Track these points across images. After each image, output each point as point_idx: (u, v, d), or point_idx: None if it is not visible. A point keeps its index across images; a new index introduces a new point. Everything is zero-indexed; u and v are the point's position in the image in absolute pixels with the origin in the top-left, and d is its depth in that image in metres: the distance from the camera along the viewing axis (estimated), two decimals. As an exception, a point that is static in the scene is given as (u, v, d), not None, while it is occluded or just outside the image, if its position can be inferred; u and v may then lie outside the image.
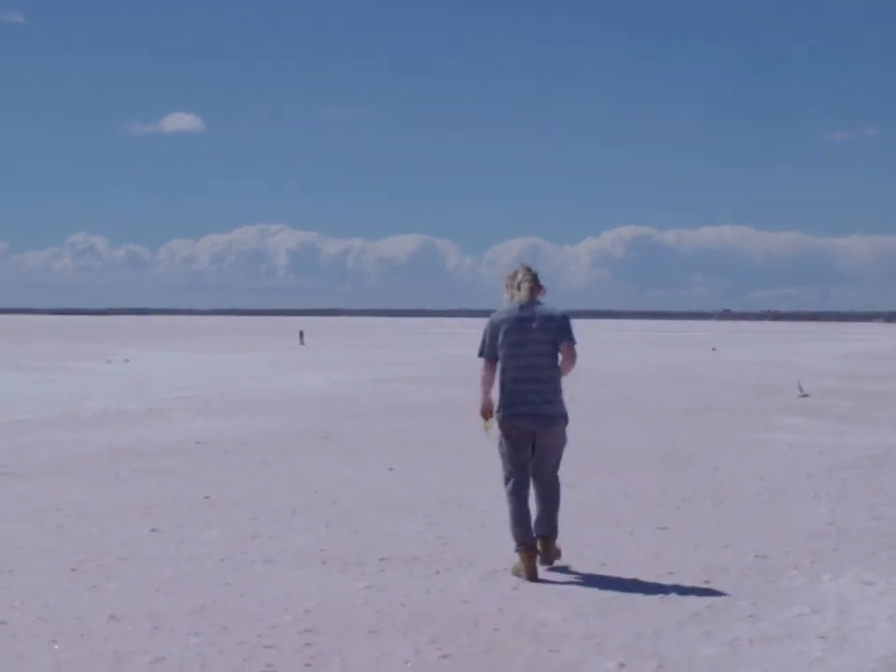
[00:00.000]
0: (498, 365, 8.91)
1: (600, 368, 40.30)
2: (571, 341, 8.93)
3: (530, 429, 8.80)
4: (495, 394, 8.92)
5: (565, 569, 8.91)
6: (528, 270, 9.06)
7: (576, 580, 8.55)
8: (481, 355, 9.03)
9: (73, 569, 8.68)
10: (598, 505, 11.74)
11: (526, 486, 8.94)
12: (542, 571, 8.75)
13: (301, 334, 73.64)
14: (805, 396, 26.76)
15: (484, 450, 15.22)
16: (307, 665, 6.54)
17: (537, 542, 8.78)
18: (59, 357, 47.22)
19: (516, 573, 8.66)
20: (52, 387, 28.28)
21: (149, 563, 8.93)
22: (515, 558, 8.82)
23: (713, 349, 62.88)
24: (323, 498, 11.95)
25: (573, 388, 29.57)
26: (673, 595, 8.09)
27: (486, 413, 8.96)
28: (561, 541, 9.21)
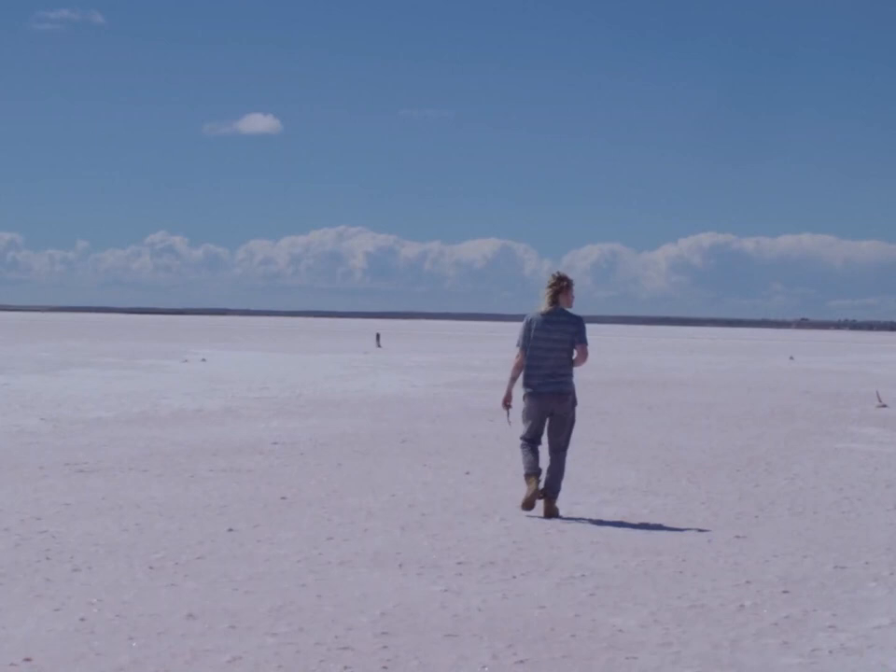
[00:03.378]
0: (530, 355, 11.44)
1: (679, 375, 40.10)
2: (584, 342, 11.49)
3: (549, 403, 11.39)
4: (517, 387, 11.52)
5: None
6: (559, 280, 11.47)
7: (653, 587, 8.51)
8: (519, 345, 11.56)
9: (151, 567, 8.75)
10: (676, 511, 11.67)
11: (537, 446, 11.48)
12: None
13: (378, 336, 73.72)
14: (884, 406, 26.44)
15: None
16: (384, 667, 6.54)
17: (540, 474, 11.35)
18: (137, 355, 47.70)
19: (525, 505, 11.26)
20: (130, 385, 28.57)
21: (226, 562, 8.99)
22: (527, 489, 11.30)
23: (791, 358, 62.35)
24: (399, 501, 11.97)
25: (652, 396, 29.29)
26: (751, 605, 8.02)
27: (506, 402, 11.70)
28: (641, 546, 9.25)
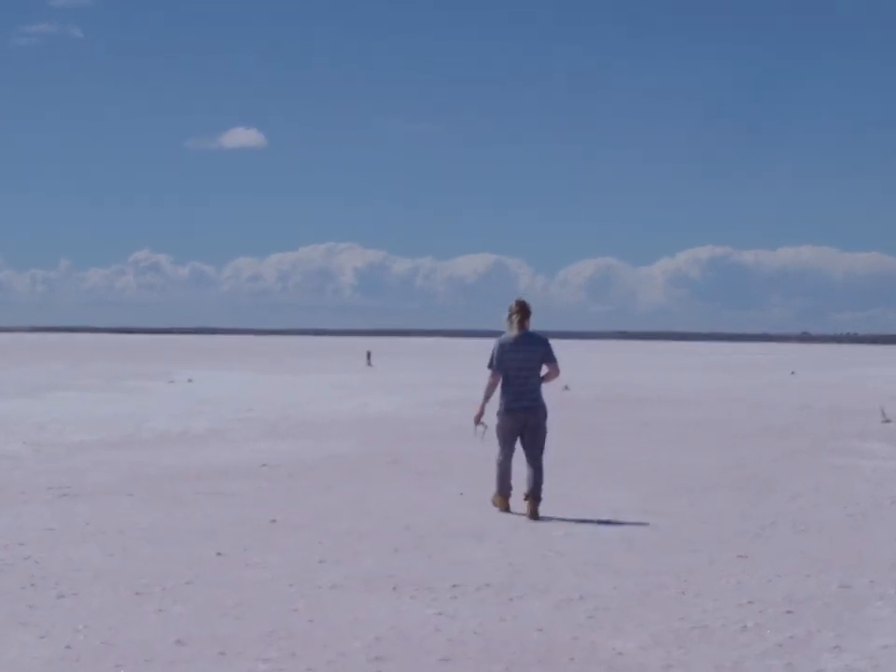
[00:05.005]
0: (503, 375, 12.74)
1: (676, 391, 40.09)
2: (554, 360, 12.85)
3: (523, 419, 12.69)
4: (491, 402, 12.77)
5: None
6: (522, 306, 12.82)
7: (654, 608, 8.51)
8: (490, 366, 12.89)
9: (137, 593, 8.74)
10: (676, 531, 11.68)
11: (511, 458, 12.83)
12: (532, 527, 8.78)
13: (369, 355, 73.46)
14: (888, 421, 26.45)
15: (561, 475, 15.21)
16: (377, 692, 6.53)
17: (510, 491, 12.85)
18: (121, 376, 47.64)
19: (494, 504, 12.99)
20: (114, 408, 28.53)
21: (215, 587, 8.98)
22: (497, 499, 12.95)
23: (792, 372, 62.38)
24: (392, 523, 11.98)
25: (648, 413, 29.23)
26: (754, 625, 8.02)
27: (478, 419, 13.05)
28: (641, 567, 9.31)
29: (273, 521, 11.98)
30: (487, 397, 12.87)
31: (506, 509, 12.82)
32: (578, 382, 42.19)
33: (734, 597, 8.82)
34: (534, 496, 12.51)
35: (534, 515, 12.42)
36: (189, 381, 43.84)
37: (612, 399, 34.11)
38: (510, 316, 12.85)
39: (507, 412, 12.74)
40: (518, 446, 12.89)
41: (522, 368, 12.67)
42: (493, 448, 13.19)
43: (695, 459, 18.16)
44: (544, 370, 12.82)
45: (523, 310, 12.86)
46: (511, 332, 12.81)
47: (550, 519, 12.28)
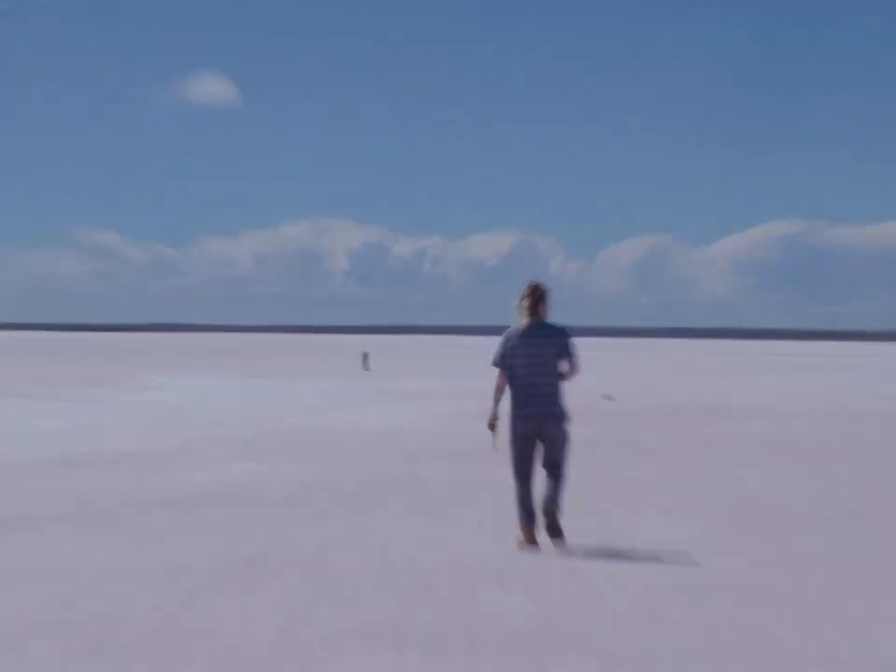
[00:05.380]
0: (510, 373, 12.71)
1: (749, 401, 39.94)
2: (574, 356, 12.77)
3: (538, 427, 12.62)
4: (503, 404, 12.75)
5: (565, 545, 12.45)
6: (534, 289, 12.75)
7: (717, 671, 8.46)
8: (494, 364, 12.90)
9: (87, 649, 8.70)
10: (747, 575, 11.60)
11: (531, 477, 12.80)
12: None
13: (365, 357, 73.45)
14: None
15: (602, 503, 15.13)
16: None
17: (536, 521, 12.68)
18: (67, 382, 47.66)
19: (520, 545, 12.71)
20: (59, 421, 28.54)
21: (183, 639, 8.95)
22: (520, 534, 12.80)
23: None
24: (396, 563, 11.94)
25: (713, 427, 29.18)
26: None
27: (492, 423, 12.95)
28: (700, 620, 9.23)
29: (252, 559, 11.95)
30: (497, 400, 12.89)
31: (531, 542, 12.71)
32: (623, 390, 42.13)
33: (818, 660, 8.73)
34: (549, 506, 12.48)
35: (553, 531, 12.52)
36: (152, 388, 43.85)
37: (668, 412, 33.98)
38: (520, 301, 12.84)
39: (517, 419, 12.74)
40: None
41: (533, 364, 12.65)
42: (504, 456, 13.15)
43: (772, 485, 18.06)
44: (562, 367, 12.76)
45: (534, 293, 12.80)
46: (521, 322, 12.80)
47: (590, 556, 12.22)
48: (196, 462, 20.46)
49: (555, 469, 12.65)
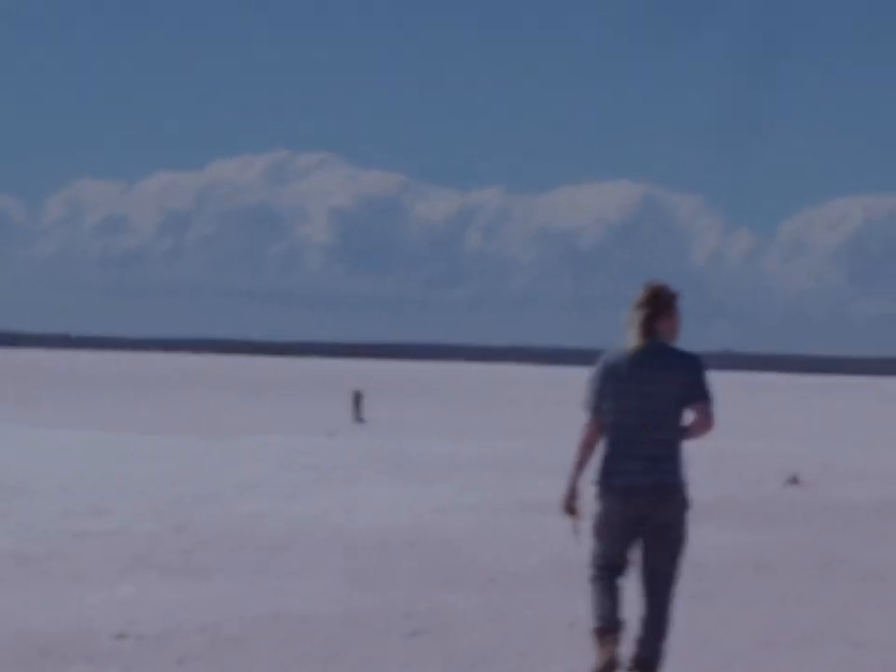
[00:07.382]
0: (607, 422, 9.61)
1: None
2: (706, 399, 9.55)
3: (641, 506, 9.54)
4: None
5: None
6: (654, 295, 9.60)
7: None
8: (586, 408, 9.78)
9: None
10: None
11: (616, 577, 9.67)
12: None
13: (358, 398, 56.27)
14: None
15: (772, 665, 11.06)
16: None
17: (621, 629, 9.53)
18: None
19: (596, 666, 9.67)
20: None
21: None
22: (595, 648, 9.58)
23: None
24: None
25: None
26: None
27: (569, 506, 9.74)
28: None
29: None
30: (580, 464, 9.81)
31: (610, 665, 9.44)
32: (826, 465, 33.11)
33: None
34: (643, 654, 9.59)
35: None
36: None
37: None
38: (630, 311, 9.78)
39: (610, 491, 9.68)
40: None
41: (642, 410, 9.61)
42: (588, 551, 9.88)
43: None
44: (687, 417, 9.67)
45: (652, 301, 9.70)
46: (629, 343, 9.71)
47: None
48: (47, 580, 14.31)
49: (658, 585, 9.67)
